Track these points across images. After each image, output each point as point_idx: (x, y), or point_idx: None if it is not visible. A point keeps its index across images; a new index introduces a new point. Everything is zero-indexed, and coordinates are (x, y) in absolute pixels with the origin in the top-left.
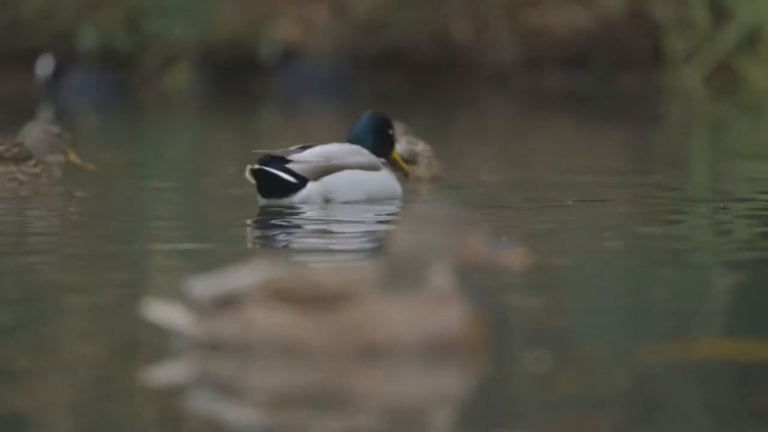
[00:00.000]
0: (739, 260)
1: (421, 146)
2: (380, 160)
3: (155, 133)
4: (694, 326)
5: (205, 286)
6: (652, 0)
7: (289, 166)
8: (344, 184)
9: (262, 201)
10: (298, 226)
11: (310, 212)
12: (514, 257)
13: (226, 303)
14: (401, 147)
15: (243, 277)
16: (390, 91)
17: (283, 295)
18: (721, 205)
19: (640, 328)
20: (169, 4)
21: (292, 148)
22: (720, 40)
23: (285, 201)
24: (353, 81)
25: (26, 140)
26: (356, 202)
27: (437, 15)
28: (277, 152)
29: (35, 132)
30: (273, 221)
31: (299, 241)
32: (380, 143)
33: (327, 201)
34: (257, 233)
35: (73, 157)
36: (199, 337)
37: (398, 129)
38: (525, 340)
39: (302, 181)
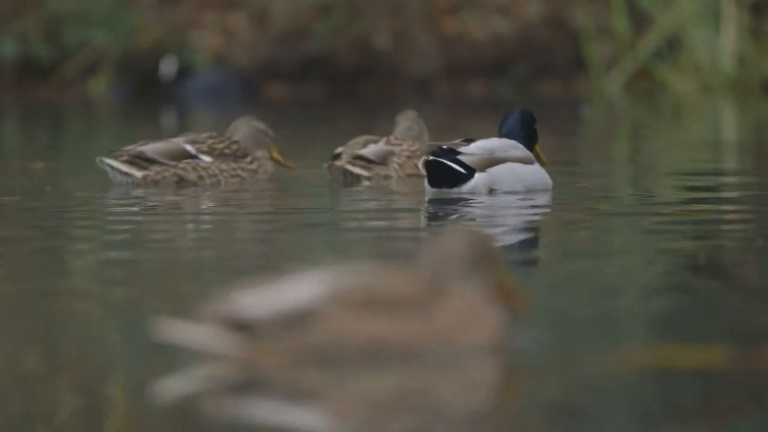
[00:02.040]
0: (657, 264)
1: (405, 146)
2: (531, 154)
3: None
4: (621, 334)
5: (255, 305)
6: (572, 7)
7: (460, 157)
8: (507, 175)
9: (431, 190)
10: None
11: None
12: (522, 302)
13: (293, 320)
14: (373, 148)
15: (298, 292)
16: (311, 98)
17: (365, 303)
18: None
19: (570, 336)
20: (90, 13)
21: (457, 141)
22: (640, 47)
23: (454, 190)
24: (255, 88)
25: (235, 136)
26: (516, 192)
27: (358, 23)
28: (446, 144)
29: (244, 128)
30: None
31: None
32: (529, 137)
33: (491, 191)
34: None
35: (276, 154)
36: (249, 358)
37: (403, 125)
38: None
39: (471, 172)
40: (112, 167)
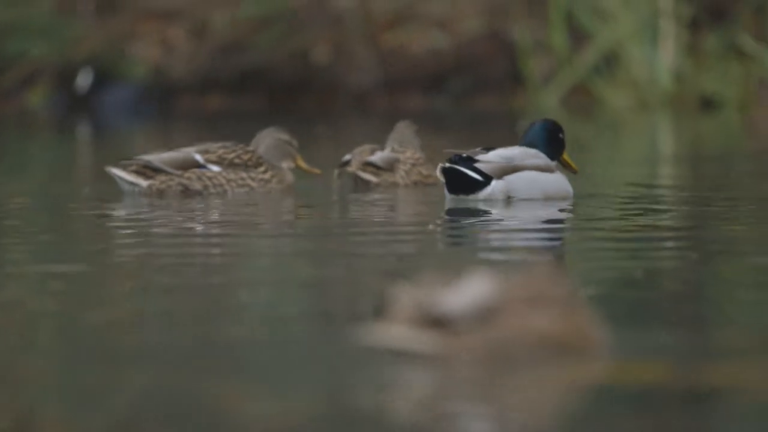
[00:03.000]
0: (593, 278)
1: (408, 154)
2: (554, 163)
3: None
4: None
5: (449, 302)
6: (510, 23)
7: (477, 165)
8: (524, 183)
9: (450, 197)
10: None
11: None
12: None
13: (481, 316)
14: (380, 155)
15: (478, 289)
16: (248, 111)
17: (540, 301)
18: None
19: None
20: (28, 24)
21: (477, 149)
22: (578, 63)
23: (471, 197)
24: (173, 101)
25: (259, 147)
26: (534, 199)
27: (297, 37)
28: (465, 153)
29: (268, 140)
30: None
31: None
32: (553, 146)
33: (509, 198)
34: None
35: (301, 163)
36: (448, 352)
37: (402, 134)
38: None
39: (487, 179)
40: (119, 177)
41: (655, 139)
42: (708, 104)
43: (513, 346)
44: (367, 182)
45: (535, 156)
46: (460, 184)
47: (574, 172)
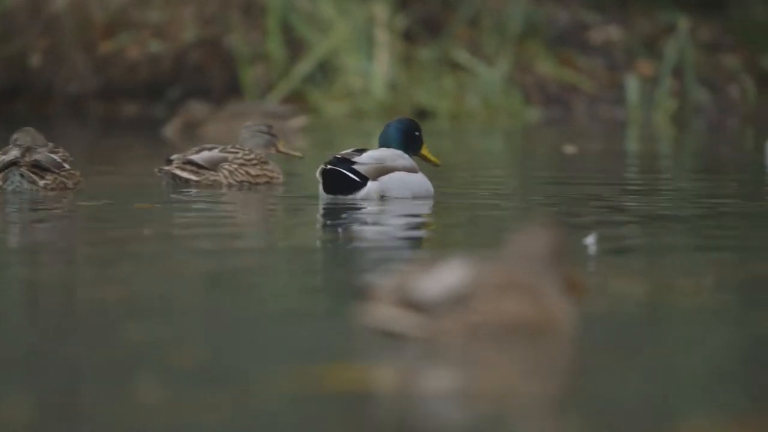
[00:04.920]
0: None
1: (240, 154)
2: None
3: None
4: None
5: (427, 288)
6: (228, 31)
7: (355, 167)
8: (396, 183)
9: (326, 197)
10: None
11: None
12: (583, 292)
13: (456, 300)
14: (204, 153)
15: (453, 276)
16: None
17: (509, 287)
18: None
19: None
20: None
21: (350, 150)
22: (294, 72)
23: (349, 198)
24: None
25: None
26: (404, 199)
27: (12, 41)
28: (341, 154)
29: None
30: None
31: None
32: (410, 144)
33: (382, 198)
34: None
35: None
36: (430, 335)
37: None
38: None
39: (364, 180)
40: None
41: (367, 144)
42: (422, 114)
43: (485, 328)
44: (186, 180)
45: (401, 157)
46: (339, 184)
47: (436, 165)
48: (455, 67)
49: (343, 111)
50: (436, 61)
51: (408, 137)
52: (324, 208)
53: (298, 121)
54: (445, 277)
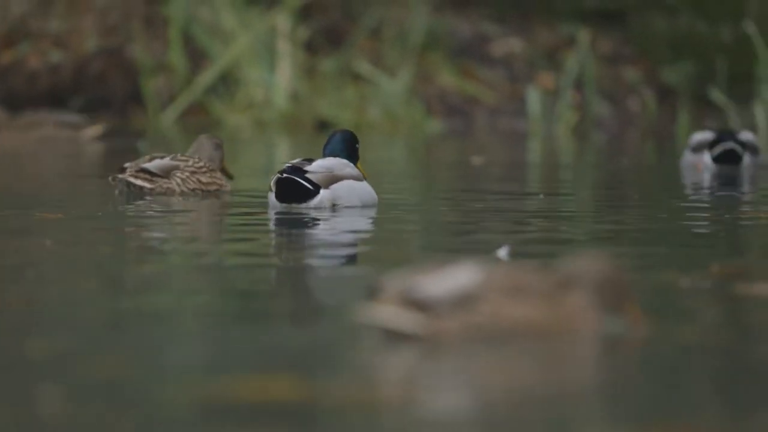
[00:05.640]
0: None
1: (191, 162)
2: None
3: None
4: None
5: (432, 289)
6: (130, 42)
7: (308, 175)
8: (346, 192)
9: (277, 205)
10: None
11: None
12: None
13: (461, 302)
14: (157, 162)
15: (461, 277)
16: None
17: (517, 291)
18: None
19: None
20: None
21: (298, 160)
22: (196, 83)
23: (302, 205)
24: None
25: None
26: (353, 207)
27: None
28: (294, 163)
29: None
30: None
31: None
32: (351, 155)
33: (334, 206)
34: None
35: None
36: (433, 335)
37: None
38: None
39: (317, 188)
40: None
41: (271, 157)
42: (324, 126)
43: (488, 330)
44: (140, 188)
45: (347, 166)
46: (292, 193)
47: (365, 178)
48: (357, 78)
49: (245, 122)
50: (338, 72)
51: (350, 148)
52: (275, 216)
53: (93, 131)
54: (453, 279)
